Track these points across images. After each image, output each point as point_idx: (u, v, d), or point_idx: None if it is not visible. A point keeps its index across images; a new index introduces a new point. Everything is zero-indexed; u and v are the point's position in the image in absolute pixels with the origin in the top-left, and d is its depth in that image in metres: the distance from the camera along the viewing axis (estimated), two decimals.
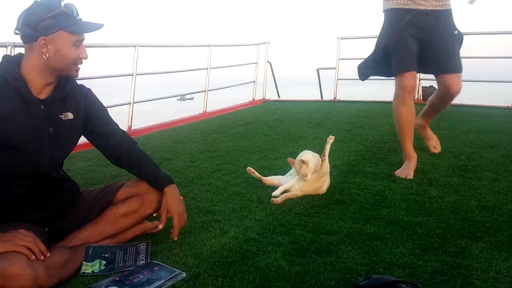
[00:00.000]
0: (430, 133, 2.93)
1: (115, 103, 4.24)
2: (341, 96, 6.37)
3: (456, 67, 2.48)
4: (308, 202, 2.06)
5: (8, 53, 3.18)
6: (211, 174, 2.61)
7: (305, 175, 2.11)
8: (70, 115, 1.51)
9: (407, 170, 2.45)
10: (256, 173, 2.29)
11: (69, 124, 1.51)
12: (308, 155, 2.16)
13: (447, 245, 1.56)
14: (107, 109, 1.71)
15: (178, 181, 2.44)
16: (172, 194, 1.64)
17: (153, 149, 3.26)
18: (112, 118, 1.69)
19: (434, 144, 2.93)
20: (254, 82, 6.81)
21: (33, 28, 1.35)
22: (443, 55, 2.44)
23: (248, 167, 2.32)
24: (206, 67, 5.81)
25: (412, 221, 1.79)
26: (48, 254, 1.30)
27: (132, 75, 4.66)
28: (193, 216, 1.92)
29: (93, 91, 1.66)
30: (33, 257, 1.25)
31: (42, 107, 1.43)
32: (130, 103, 4.55)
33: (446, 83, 2.48)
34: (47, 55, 1.37)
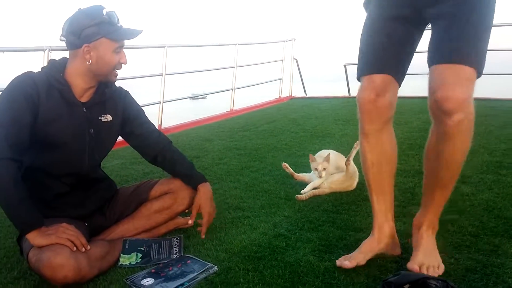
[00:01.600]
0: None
1: (144, 103, 4.37)
2: None
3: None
4: (336, 199, 2.08)
5: (46, 57, 3.33)
6: (240, 171, 2.65)
7: (320, 176, 2.17)
8: (109, 117, 1.59)
9: (354, 255, 1.40)
10: (289, 168, 2.33)
11: (108, 126, 1.59)
12: (324, 158, 2.20)
13: (480, 243, 1.54)
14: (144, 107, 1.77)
15: (207, 178, 2.46)
16: (205, 192, 1.69)
17: (182, 147, 3.34)
18: (149, 119, 1.76)
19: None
20: (280, 79, 6.82)
21: (77, 35, 1.43)
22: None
23: (284, 163, 2.36)
24: (233, 66, 5.86)
25: (444, 218, 1.76)
26: (89, 247, 1.38)
27: (162, 75, 4.77)
28: (223, 212, 1.97)
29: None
30: (75, 249, 1.33)
31: (84, 110, 1.52)
32: (160, 103, 4.68)
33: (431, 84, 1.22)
34: (90, 61, 1.45)
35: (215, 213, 1.71)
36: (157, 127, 1.81)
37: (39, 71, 1.48)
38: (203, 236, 1.66)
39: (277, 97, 6.68)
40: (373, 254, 1.41)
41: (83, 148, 1.53)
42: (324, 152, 2.33)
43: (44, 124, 1.41)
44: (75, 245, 1.34)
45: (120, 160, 3.04)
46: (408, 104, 4.83)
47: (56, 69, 1.48)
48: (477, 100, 1.20)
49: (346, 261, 1.37)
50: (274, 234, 1.70)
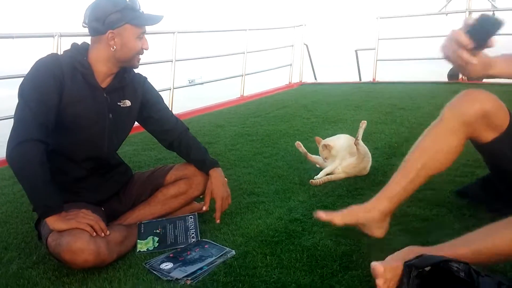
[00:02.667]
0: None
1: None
2: (380, 78, 6.22)
3: None
4: (350, 184, 2.07)
5: (56, 43, 3.34)
6: (252, 157, 2.65)
7: (326, 158, 2.20)
8: (128, 103, 1.59)
9: (335, 212, 1.32)
10: (302, 147, 2.33)
11: (127, 111, 1.60)
12: (333, 140, 2.24)
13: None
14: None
15: (221, 164, 2.44)
16: (217, 177, 1.69)
17: (194, 133, 3.28)
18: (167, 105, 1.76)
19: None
20: (290, 65, 6.76)
21: (101, 22, 1.43)
22: None
23: (297, 142, 2.36)
24: (243, 52, 5.82)
25: (459, 203, 1.75)
26: (108, 232, 1.39)
27: (172, 61, 4.76)
28: (238, 198, 1.98)
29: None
30: (95, 234, 1.34)
31: (105, 95, 1.52)
32: (170, 89, 4.68)
33: None
34: (115, 48, 1.46)
35: (230, 197, 1.71)
36: None
37: (62, 54, 1.50)
38: (218, 221, 1.66)
39: (287, 83, 6.64)
40: (353, 220, 1.29)
41: (103, 132, 1.54)
42: (338, 137, 2.31)
43: (67, 105, 1.43)
44: (95, 230, 1.35)
45: (132, 146, 3.06)
46: (420, 89, 4.77)
47: (79, 52, 1.49)
48: None
49: (322, 213, 1.27)
50: (289, 219, 1.70)
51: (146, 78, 1.70)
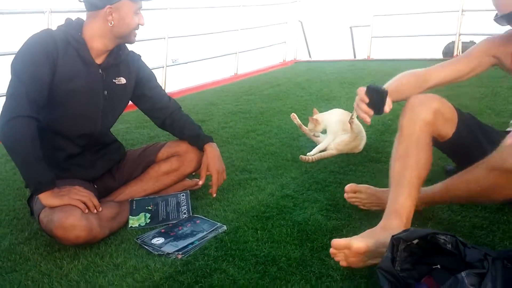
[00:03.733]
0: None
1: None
2: (375, 55, 6.17)
3: None
4: (343, 160, 2.07)
5: (46, 19, 3.25)
6: (245, 134, 2.64)
7: (311, 131, 2.28)
8: (123, 80, 1.57)
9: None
10: (297, 119, 2.36)
11: (122, 89, 1.58)
12: (325, 115, 2.29)
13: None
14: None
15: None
16: (212, 151, 1.68)
17: (187, 112, 3.26)
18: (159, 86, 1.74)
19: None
20: (285, 42, 6.68)
21: None
22: None
23: (293, 113, 2.39)
24: (236, 29, 5.73)
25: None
26: (101, 208, 1.39)
27: (164, 38, 4.68)
28: (230, 174, 1.98)
29: None
30: (87, 210, 1.34)
31: (100, 71, 1.50)
32: (163, 67, 4.61)
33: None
34: (112, 23, 1.43)
35: (225, 172, 1.71)
36: None
37: (56, 29, 1.47)
38: (214, 195, 1.66)
39: (282, 60, 6.57)
40: (374, 239, 1.17)
41: (97, 109, 1.52)
42: (331, 112, 2.31)
43: (61, 81, 1.41)
44: (88, 207, 1.35)
45: (125, 124, 3.03)
46: (415, 66, 4.72)
47: (73, 28, 1.46)
48: None
49: (338, 240, 1.15)
50: (281, 195, 1.71)
51: (140, 56, 1.68)
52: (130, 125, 3.03)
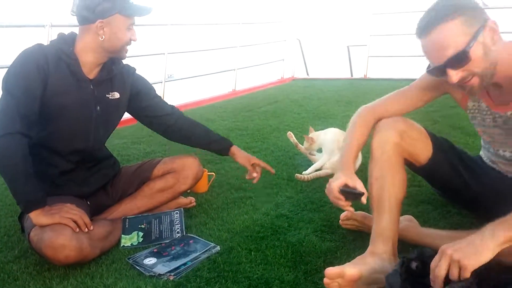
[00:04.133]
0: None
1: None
2: (372, 74, 6.22)
3: None
4: None
5: (47, 33, 3.27)
6: None
7: (307, 149, 2.30)
8: (116, 95, 1.57)
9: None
10: (294, 138, 2.38)
11: (115, 103, 1.57)
12: (320, 134, 2.31)
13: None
14: None
15: (210, 158, 2.49)
16: (241, 151, 1.80)
17: None
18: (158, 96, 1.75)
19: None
20: (283, 60, 6.74)
21: (91, 10, 1.40)
22: None
23: (289, 132, 2.41)
24: (235, 46, 5.78)
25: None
26: (92, 227, 1.38)
27: (164, 54, 4.72)
28: (225, 192, 1.97)
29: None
30: (78, 229, 1.32)
31: (91, 87, 1.49)
32: (161, 82, 4.64)
33: None
34: (103, 37, 1.43)
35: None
36: None
37: (48, 44, 1.46)
38: (273, 172, 1.83)
39: (280, 78, 6.62)
40: (367, 266, 1.17)
41: (89, 124, 1.51)
42: (326, 131, 2.32)
43: (51, 96, 1.40)
44: (79, 225, 1.33)
45: (121, 139, 3.03)
46: None
47: (65, 42, 1.46)
48: None
49: (332, 268, 1.12)
50: (276, 215, 1.69)
51: (135, 69, 1.68)
52: (126, 140, 3.02)
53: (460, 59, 1.04)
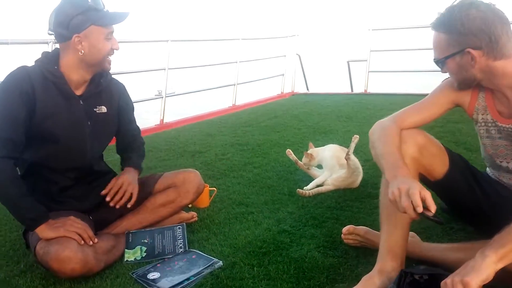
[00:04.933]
0: None
1: (143, 98, 4.36)
2: (372, 89, 6.29)
3: None
4: (340, 195, 2.08)
5: (50, 50, 3.31)
6: (242, 167, 2.66)
7: (306, 165, 2.32)
8: (104, 109, 1.57)
9: None
10: (293, 155, 2.38)
11: (103, 117, 1.58)
12: (319, 150, 2.34)
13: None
14: (141, 102, 1.79)
15: (211, 173, 2.52)
16: (128, 173, 1.67)
17: (185, 142, 3.35)
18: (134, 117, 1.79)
19: None
20: (282, 75, 6.81)
21: (65, 26, 1.39)
22: None
23: (288, 149, 2.41)
24: (235, 61, 5.85)
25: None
26: (96, 240, 1.39)
27: (164, 69, 4.77)
28: (227, 208, 1.98)
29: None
30: (82, 242, 1.34)
31: (81, 102, 1.50)
32: (162, 97, 4.68)
33: None
34: (83, 52, 1.42)
35: (134, 194, 1.63)
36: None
37: (33, 65, 1.45)
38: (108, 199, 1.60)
39: (279, 92, 6.68)
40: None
41: (83, 140, 1.52)
42: (324, 148, 2.35)
43: (42, 119, 1.40)
44: (83, 238, 1.35)
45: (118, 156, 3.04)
46: (411, 101, 4.79)
47: (49, 61, 1.45)
48: None
49: None
50: (278, 230, 1.71)
51: (124, 86, 1.70)
52: None
53: (439, 64, 1.27)
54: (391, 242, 1.23)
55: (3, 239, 1.72)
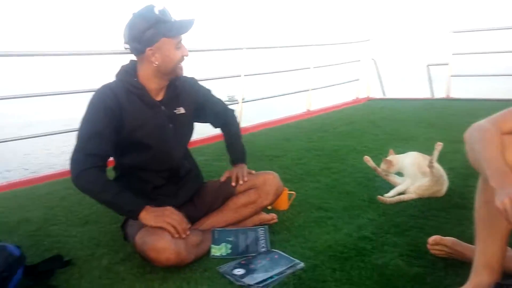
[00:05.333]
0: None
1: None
2: (455, 94, 5.92)
3: None
4: (423, 204, 2.01)
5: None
6: (319, 171, 2.67)
7: (384, 171, 2.28)
8: (182, 110, 1.69)
9: None
10: (371, 162, 2.34)
11: (183, 118, 1.69)
12: (400, 158, 2.27)
13: None
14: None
15: (288, 177, 2.55)
16: (241, 167, 1.85)
17: (262, 146, 3.44)
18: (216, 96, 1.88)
19: None
20: (358, 80, 6.68)
21: (138, 41, 1.50)
22: None
23: (366, 156, 2.37)
24: (308, 67, 5.86)
25: None
26: (188, 233, 1.50)
27: (240, 75, 4.94)
28: (306, 212, 2.01)
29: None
30: (177, 235, 1.45)
31: (163, 108, 1.63)
32: (238, 102, 4.84)
33: None
34: (157, 63, 1.54)
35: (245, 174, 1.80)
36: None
37: (114, 80, 1.59)
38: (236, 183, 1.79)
39: (355, 98, 6.55)
40: None
41: (169, 144, 1.65)
42: (406, 155, 2.27)
43: (132, 130, 1.55)
44: (178, 231, 1.46)
45: (203, 156, 3.20)
46: (499, 107, 4.43)
47: (129, 74, 1.58)
48: None
49: None
50: (359, 236, 1.70)
51: (193, 79, 1.80)
52: (208, 157, 3.20)
53: None
54: (488, 255, 1.16)
55: (104, 231, 1.91)
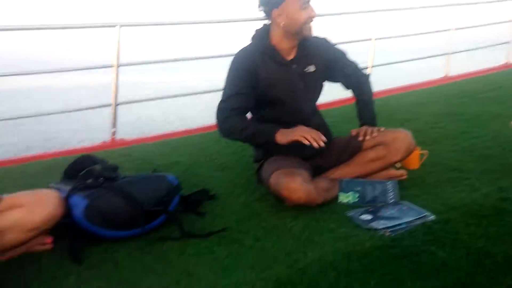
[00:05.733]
0: None
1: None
2: None
3: None
4: None
5: (117, 33, 3.12)
6: (458, 135, 2.50)
7: None
8: (312, 68, 1.75)
9: None
10: None
11: (312, 76, 1.76)
12: None
13: None
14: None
15: (420, 140, 2.43)
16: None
17: (392, 110, 3.31)
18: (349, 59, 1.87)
19: None
20: (508, 43, 5.82)
21: (266, 3, 1.61)
22: None
23: None
24: (449, 28, 5.32)
25: None
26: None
27: (371, 39, 4.76)
28: (439, 172, 1.94)
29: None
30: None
31: (294, 67, 1.72)
32: (368, 67, 4.70)
33: None
34: (283, 23, 1.61)
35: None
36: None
37: (250, 43, 1.73)
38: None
39: (504, 62, 5.76)
40: None
41: (299, 100, 1.75)
42: None
43: (266, 88, 1.68)
44: (315, 139, 1.52)
45: (330, 118, 3.21)
46: None
47: (261, 37, 1.70)
48: None
49: None
50: (499, 197, 1.58)
51: (325, 39, 1.82)
52: (335, 119, 3.20)
53: None
54: None
55: (240, 175, 2.12)
